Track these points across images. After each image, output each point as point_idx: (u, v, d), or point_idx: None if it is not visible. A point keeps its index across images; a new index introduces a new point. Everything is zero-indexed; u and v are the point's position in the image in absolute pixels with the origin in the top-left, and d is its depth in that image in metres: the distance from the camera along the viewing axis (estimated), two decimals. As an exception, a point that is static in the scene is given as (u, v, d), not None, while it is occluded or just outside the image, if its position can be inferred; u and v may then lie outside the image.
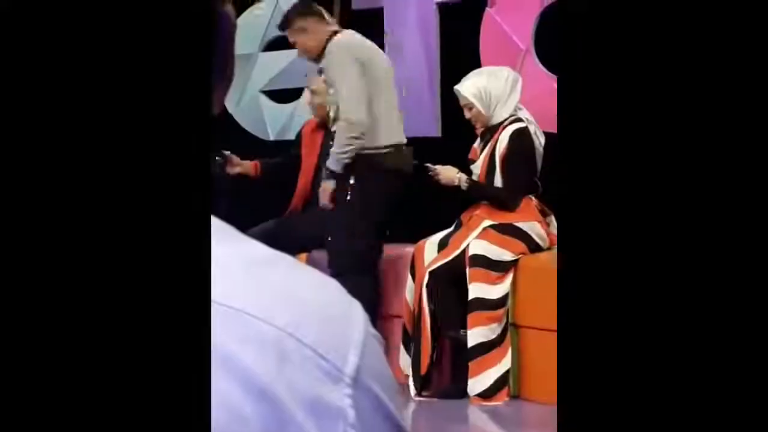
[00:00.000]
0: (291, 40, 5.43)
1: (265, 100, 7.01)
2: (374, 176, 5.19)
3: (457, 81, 6.20)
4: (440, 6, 6.36)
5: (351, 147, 5.20)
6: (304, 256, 5.88)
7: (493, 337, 5.02)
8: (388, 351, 5.37)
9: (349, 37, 5.38)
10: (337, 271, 5.09)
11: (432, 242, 5.28)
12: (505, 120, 5.24)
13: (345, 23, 6.01)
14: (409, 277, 5.28)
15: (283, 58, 6.88)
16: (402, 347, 5.25)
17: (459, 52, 6.22)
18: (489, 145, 5.27)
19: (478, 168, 5.31)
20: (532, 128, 5.21)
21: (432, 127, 6.38)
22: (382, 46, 6.50)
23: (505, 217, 5.16)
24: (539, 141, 5.21)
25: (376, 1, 6.54)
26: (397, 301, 5.43)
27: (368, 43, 5.44)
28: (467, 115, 5.31)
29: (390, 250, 5.55)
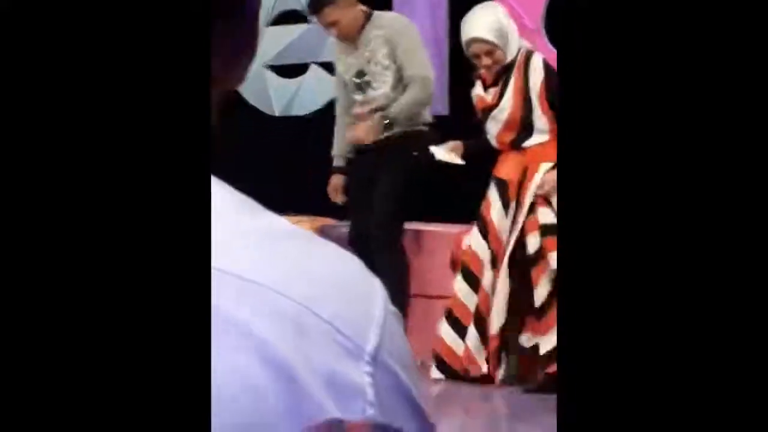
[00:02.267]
0: (326, 21, 5.31)
1: (270, 74, 7.00)
2: (425, 153, 5.06)
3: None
4: (450, -16, 6.34)
5: (424, 103, 5.17)
6: (315, 225, 5.88)
7: None
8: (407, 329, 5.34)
9: (398, 15, 5.43)
10: (383, 244, 5.05)
11: (498, 219, 4.80)
12: (517, 53, 4.80)
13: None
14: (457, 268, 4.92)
15: (290, 32, 6.86)
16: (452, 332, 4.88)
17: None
18: (513, 83, 4.80)
19: (504, 112, 4.81)
20: None
21: (441, 105, 6.37)
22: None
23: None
24: None
25: (386, -23, 6.52)
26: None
27: None
28: (486, 62, 4.79)
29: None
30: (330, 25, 5.31)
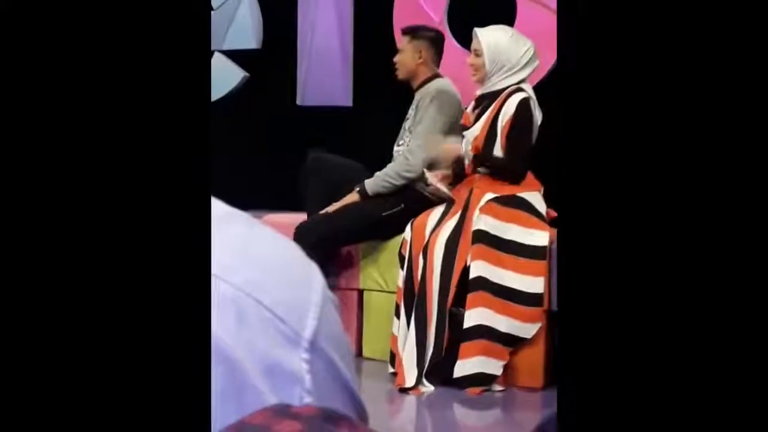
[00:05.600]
0: (400, 47, 5.46)
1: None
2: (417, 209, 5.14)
3: (370, 51, 6.19)
4: (355, -25, 6.35)
5: (398, 182, 5.22)
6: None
7: (501, 328, 4.69)
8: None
9: (450, 86, 5.37)
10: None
11: (433, 220, 4.95)
12: (507, 88, 4.92)
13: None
14: (406, 257, 4.93)
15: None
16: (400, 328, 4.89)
17: (372, 23, 6.22)
18: (489, 111, 4.94)
19: (473, 135, 4.97)
20: (532, 103, 4.92)
21: (344, 96, 6.38)
22: (295, 11, 6.47)
23: (508, 189, 4.85)
24: (537, 116, 4.92)
25: (291, -32, 6.50)
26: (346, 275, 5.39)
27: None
28: (470, 59, 5.02)
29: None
30: (400, 51, 5.46)
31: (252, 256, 0.68)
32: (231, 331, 0.64)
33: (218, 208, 0.69)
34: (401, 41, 5.47)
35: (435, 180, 5.05)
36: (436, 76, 5.42)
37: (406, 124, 5.43)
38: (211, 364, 0.63)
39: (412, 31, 5.49)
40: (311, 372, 0.66)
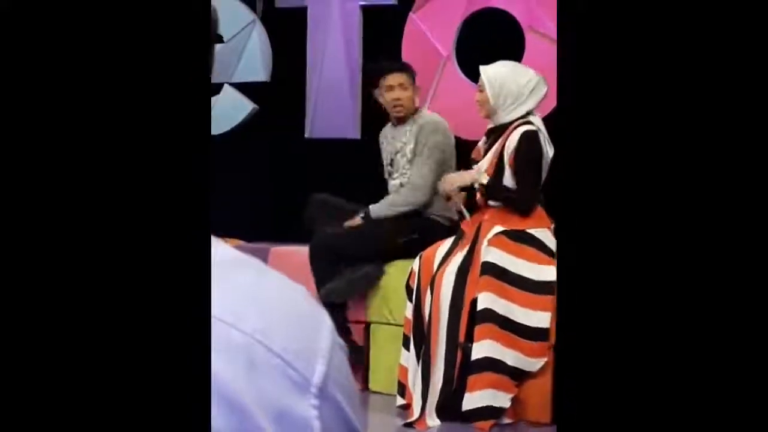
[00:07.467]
0: (388, 84, 5.41)
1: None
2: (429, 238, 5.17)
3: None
4: (364, 8, 6.37)
5: (405, 210, 5.31)
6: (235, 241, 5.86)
7: (507, 361, 4.65)
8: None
9: (440, 119, 5.41)
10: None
11: (441, 253, 4.95)
12: (515, 121, 4.95)
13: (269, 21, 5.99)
14: (415, 289, 4.93)
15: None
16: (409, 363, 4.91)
17: (381, 56, 6.24)
18: (497, 144, 4.97)
19: (482, 168, 5.00)
20: (541, 136, 4.92)
21: (352, 129, 6.39)
22: (304, 45, 6.49)
23: (518, 224, 4.85)
24: (548, 149, 4.93)
25: (300, 1, 6.53)
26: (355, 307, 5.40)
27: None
28: (477, 96, 5.08)
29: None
30: (397, 88, 5.40)
31: (262, 303, 0.68)
32: (241, 378, 0.64)
33: (228, 254, 0.70)
34: (397, 79, 5.41)
35: (459, 200, 5.09)
36: (418, 108, 5.48)
37: (399, 156, 5.44)
38: (221, 410, 0.63)
39: (405, 68, 5.50)
40: (320, 418, 0.66)
